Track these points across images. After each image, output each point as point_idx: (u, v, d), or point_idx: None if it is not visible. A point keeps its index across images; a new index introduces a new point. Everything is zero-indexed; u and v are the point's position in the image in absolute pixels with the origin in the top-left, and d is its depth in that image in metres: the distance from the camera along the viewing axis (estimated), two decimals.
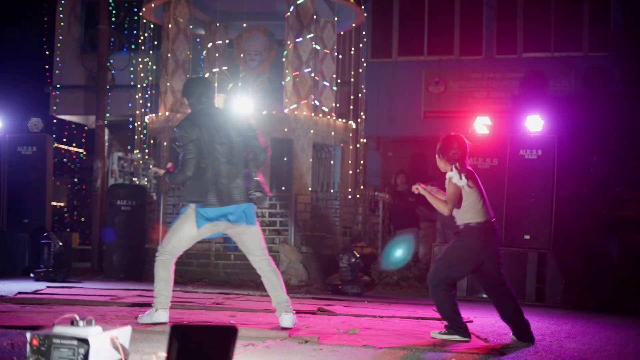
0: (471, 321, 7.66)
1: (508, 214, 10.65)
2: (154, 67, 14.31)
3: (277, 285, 6.61)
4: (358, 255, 10.59)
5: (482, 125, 10.95)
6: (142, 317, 6.49)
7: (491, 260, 6.38)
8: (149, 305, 7.84)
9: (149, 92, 14.26)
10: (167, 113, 13.40)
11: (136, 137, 14.29)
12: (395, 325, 7.05)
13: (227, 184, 6.42)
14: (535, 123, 10.67)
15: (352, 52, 15.02)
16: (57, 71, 19.93)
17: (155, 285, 6.57)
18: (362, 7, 14.32)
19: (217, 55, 14.35)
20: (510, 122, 11.25)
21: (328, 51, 14.00)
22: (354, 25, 14.86)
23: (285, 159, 13.02)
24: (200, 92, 6.60)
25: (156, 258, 6.57)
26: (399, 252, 7.17)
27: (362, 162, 14.98)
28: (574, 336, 6.98)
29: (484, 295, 10.42)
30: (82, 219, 18.58)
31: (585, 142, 16.31)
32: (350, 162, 14.34)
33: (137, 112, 14.30)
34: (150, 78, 14.14)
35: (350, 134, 14.24)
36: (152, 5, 13.79)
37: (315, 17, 13.43)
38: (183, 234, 6.56)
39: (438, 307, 6.31)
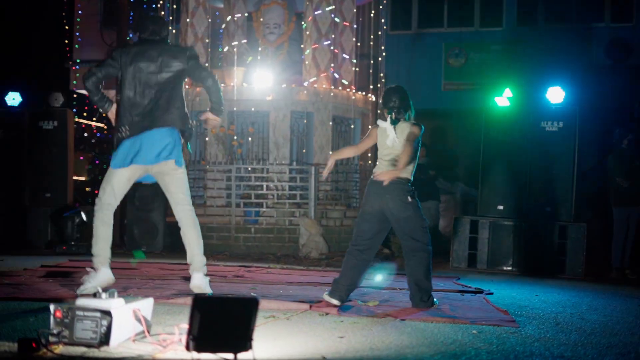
0: (491, 293, 7.66)
1: (529, 186, 10.62)
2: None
3: (193, 242, 6.61)
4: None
5: (503, 97, 10.89)
6: (84, 287, 6.23)
7: None
8: (170, 279, 7.90)
9: None
10: (187, 87, 13.39)
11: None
12: None
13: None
14: (556, 94, 10.60)
15: (372, 25, 14.92)
16: (77, 46, 19.94)
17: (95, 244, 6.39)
18: None
19: (236, 28, 14.32)
20: (531, 94, 11.17)
21: (347, 24, 13.93)
22: None
23: (305, 132, 13.02)
24: (153, 28, 6.60)
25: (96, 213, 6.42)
26: (378, 277, 7.27)
27: None
28: (595, 308, 6.96)
29: (505, 268, 10.43)
30: None
31: (607, 113, 16.20)
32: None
33: None
34: None
35: (370, 107, 14.20)
36: None
37: None
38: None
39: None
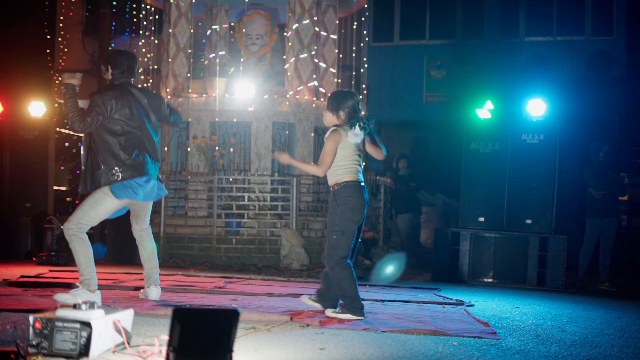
0: (472, 305, 7.68)
1: (510, 198, 10.66)
2: (155, 52, 14.28)
3: (153, 257, 7.04)
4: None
5: (484, 109, 10.94)
6: (70, 297, 6.36)
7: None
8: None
9: (150, 77, 14.23)
10: (168, 97, 13.39)
11: None
12: (396, 309, 7.07)
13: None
14: (537, 107, 10.66)
15: (354, 36, 14.97)
16: (62, 55, 19.91)
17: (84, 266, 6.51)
18: None
19: (218, 39, 14.32)
20: (512, 107, 11.22)
21: (330, 35, 13.97)
22: (355, 8, 14.81)
23: (287, 143, 13.02)
24: (128, 65, 6.73)
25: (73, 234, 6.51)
26: (389, 268, 7.21)
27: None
28: (575, 320, 6.99)
29: (486, 279, 10.46)
30: None
31: (588, 126, 16.32)
32: None
33: None
34: (152, 63, 14.11)
35: None
36: None
37: (316, 0, 13.39)
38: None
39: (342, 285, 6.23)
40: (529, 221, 10.55)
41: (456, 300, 7.93)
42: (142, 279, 8.85)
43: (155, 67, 14.24)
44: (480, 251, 10.56)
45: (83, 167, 6.74)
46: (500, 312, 7.27)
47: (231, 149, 12.82)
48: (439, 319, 6.40)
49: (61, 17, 20.11)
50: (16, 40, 20.67)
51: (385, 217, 13.44)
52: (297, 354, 4.63)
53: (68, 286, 7.48)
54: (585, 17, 18.88)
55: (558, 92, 15.34)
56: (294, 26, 13.28)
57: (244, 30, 14.05)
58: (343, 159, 6.40)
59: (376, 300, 7.56)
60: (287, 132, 13.06)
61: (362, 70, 14.74)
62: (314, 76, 13.41)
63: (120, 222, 11.40)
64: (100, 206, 6.60)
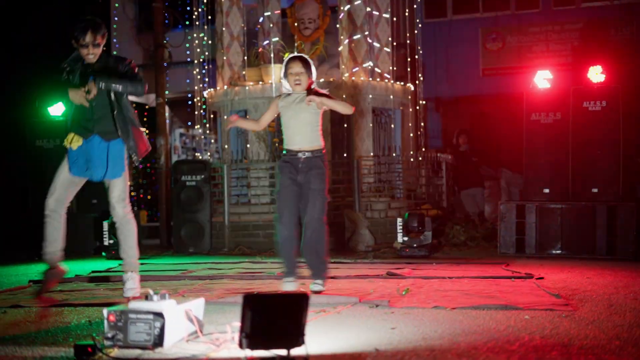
0: (542, 277, 7.59)
1: (574, 168, 10.49)
2: (210, 42, 14.37)
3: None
4: (425, 217, 10.56)
5: (543, 79, 10.77)
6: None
7: None
8: (219, 276, 7.96)
9: (206, 67, 14.33)
10: (225, 87, 13.47)
11: (196, 112, 14.40)
12: (464, 285, 7.02)
13: None
14: (597, 74, 10.46)
15: (407, 14, 14.86)
16: (114, 52, 20.13)
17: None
18: None
19: (271, 25, 14.34)
20: (572, 75, 11.04)
21: (382, 14, 13.88)
22: None
23: (345, 125, 13.00)
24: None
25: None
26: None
27: (422, 124, 14.85)
28: None
29: (554, 252, 10.33)
30: (149, 197, 18.84)
31: None
32: (410, 124, 14.25)
33: (196, 87, 14.39)
34: (207, 53, 14.21)
35: (409, 97, 14.13)
36: None
37: None
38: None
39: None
40: (595, 190, 10.37)
41: (525, 273, 7.85)
42: (210, 268, 8.97)
43: (210, 57, 14.33)
44: (546, 223, 10.41)
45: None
46: (570, 284, 7.17)
47: None
48: (509, 293, 6.35)
49: (114, 15, 20.33)
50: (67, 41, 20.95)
51: (448, 193, 13.35)
52: (369, 334, 4.63)
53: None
54: None
55: (619, 58, 15.06)
56: (346, 7, 13.23)
57: (296, 15, 14.06)
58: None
59: (444, 278, 7.52)
60: (342, 115, 13.01)
61: (417, 47, 14.62)
62: (369, 57, 13.36)
63: (185, 213, 11.54)
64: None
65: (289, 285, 6.54)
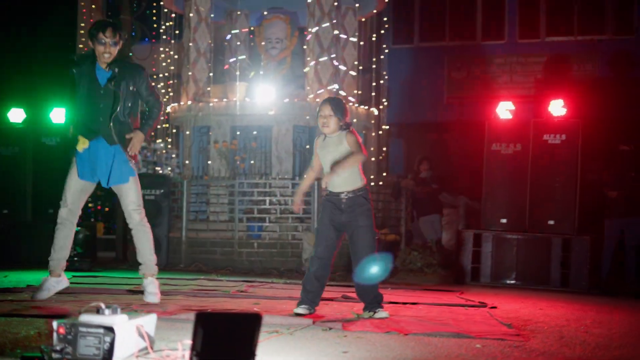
0: (495, 307, 7.64)
1: (532, 199, 10.61)
2: (176, 57, 14.34)
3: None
4: (383, 241, 10.59)
5: (505, 110, 10.91)
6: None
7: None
8: (174, 292, 7.90)
9: (170, 82, 14.30)
10: (189, 102, 13.43)
11: (159, 126, 14.34)
12: (419, 311, 7.05)
13: None
14: (558, 107, 10.60)
15: (374, 39, 14.96)
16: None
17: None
18: None
19: (238, 43, 14.36)
20: (533, 107, 11.17)
21: (349, 38, 13.96)
22: (375, 11, 14.80)
23: (307, 146, 13.02)
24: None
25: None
26: (374, 269, 7.10)
27: (384, 149, 14.94)
28: (600, 322, 6.94)
29: (508, 281, 10.40)
30: (107, 209, 18.68)
31: (610, 126, 16.20)
32: (372, 149, 14.31)
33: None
34: (172, 67, 14.17)
35: (373, 121, 14.20)
36: None
37: (336, 3, 13.38)
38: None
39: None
40: (551, 222, 10.49)
41: (479, 302, 7.90)
42: (165, 284, 8.91)
43: (176, 72, 14.30)
44: (502, 253, 10.51)
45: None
46: (523, 314, 7.23)
47: (252, 153, 12.85)
48: (462, 321, 6.38)
49: (82, 24, 20.20)
50: (37, 47, 20.81)
51: (406, 219, 13.40)
52: (320, 357, 4.62)
53: (92, 292, 7.54)
54: (607, 16, 18.74)
55: (580, 93, 15.28)
56: (314, 29, 13.29)
57: (263, 34, 14.09)
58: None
59: (399, 303, 7.53)
60: (307, 136, 13.06)
61: (382, 72, 14.71)
62: (335, 79, 13.41)
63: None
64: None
65: (302, 310, 6.39)
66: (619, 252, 10.78)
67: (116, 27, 6.47)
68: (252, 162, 12.81)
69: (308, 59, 13.41)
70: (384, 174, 14.45)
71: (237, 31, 14.37)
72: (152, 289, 6.68)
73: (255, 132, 12.89)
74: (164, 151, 16.13)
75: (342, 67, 13.83)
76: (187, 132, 13.32)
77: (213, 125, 12.97)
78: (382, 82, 14.65)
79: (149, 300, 6.57)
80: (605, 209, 10.76)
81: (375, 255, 6.41)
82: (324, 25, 13.30)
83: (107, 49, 6.44)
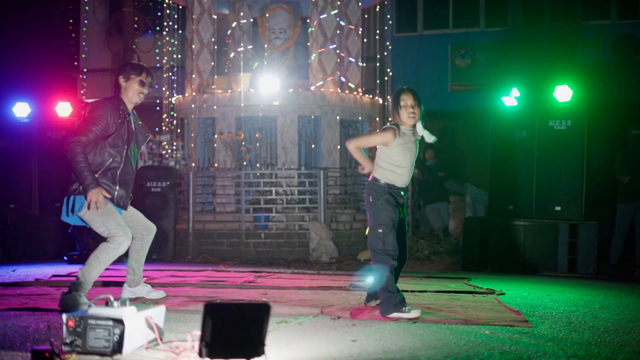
0: (503, 293, 7.64)
1: (538, 186, 10.58)
2: (179, 49, 14.32)
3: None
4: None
5: (510, 96, 10.87)
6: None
7: None
8: (180, 285, 7.92)
9: (175, 74, 14.28)
10: (193, 94, 13.43)
11: (163, 117, 14.35)
12: (427, 299, 7.05)
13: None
14: (564, 93, 10.56)
15: (377, 27, 14.92)
16: (83, 55, 20.02)
17: None
18: None
19: (241, 34, 14.33)
20: (538, 93, 11.12)
21: (353, 27, 13.93)
22: (378, 0, 14.77)
23: (312, 136, 13.02)
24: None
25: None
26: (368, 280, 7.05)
27: None
28: (608, 306, 6.94)
29: (516, 268, 10.39)
30: None
31: (617, 111, 16.16)
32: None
33: (164, 93, 14.35)
34: (177, 58, 14.16)
35: (377, 110, 14.19)
36: None
37: None
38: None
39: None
40: (558, 208, 10.46)
41: (487, 289, 7.90)
42: (172, 276, 8.92)
43: (180, 64, 14.29)
44: (509, 239, 10.49)
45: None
46: (531, 300, 7.23)
47: (257, 144, 12.85)
48: (470, 308, 6.38)
49: (84, 17, 20.21)
50: (41, 41, 20.84)
51: (413, 207, 13.39)
52: (329, 346, 4.63)
53: (100, 284, 7.55)
54: (611, 0, 18.68)
55: (585, 77, 15.23)
56: (317, 19, 13.26)
57: (267, 24, 14.06)
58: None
59: (406, 291, 7.54)
60: (312, 126, 13.06)
61: (386, 61, 14.69)
62: (338, 68, 13.39)
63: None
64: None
65: (415, 313, 5.86)
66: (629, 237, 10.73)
67: (150, 72, 6.58)
68: (257, 152, 12.81)
69: (312, 48, 13.39)
70: None
71: (241, 22, 14.32)
72: (150, 288, 6.70)
73: (259, 123, 12.88)
74: (169, 143, 16.13)
75: (348, 58, 13.78)
76: (192, 124, 13.32)
77: (218, 117, 12.97)
78: (386, 70, 14.61)
79: (156, 296, 6.60)
80: (619, 194, 10.70)
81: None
82: (327, 15, 13.27)
83: (145, 91, 6.52)
